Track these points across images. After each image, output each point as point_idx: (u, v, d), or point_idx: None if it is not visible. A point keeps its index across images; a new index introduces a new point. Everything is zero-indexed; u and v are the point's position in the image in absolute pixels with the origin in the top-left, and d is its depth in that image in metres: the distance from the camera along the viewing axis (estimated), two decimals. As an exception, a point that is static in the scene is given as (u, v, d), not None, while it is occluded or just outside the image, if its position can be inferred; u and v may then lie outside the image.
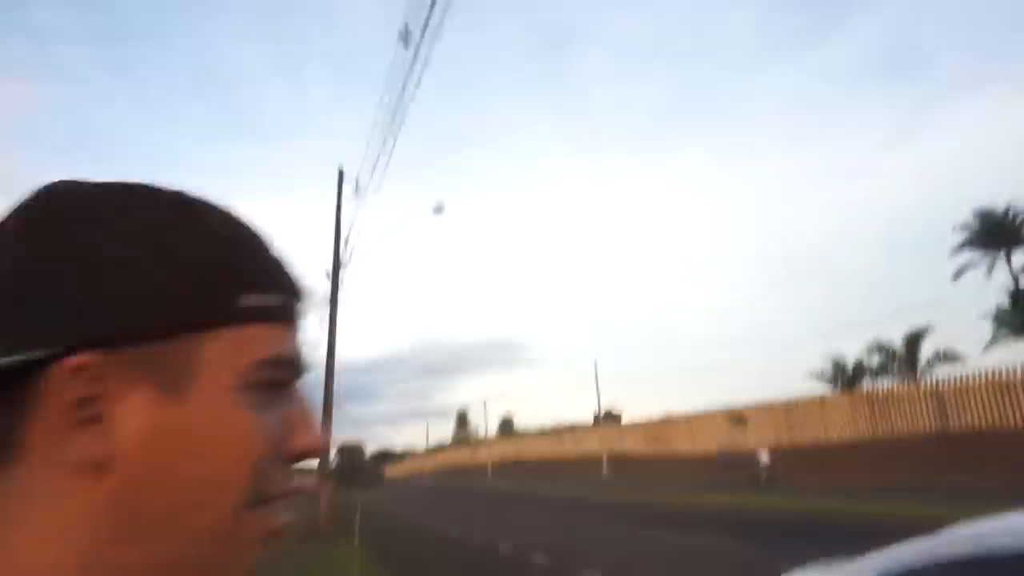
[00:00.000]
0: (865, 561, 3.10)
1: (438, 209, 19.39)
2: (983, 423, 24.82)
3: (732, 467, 32.09)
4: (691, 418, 39.75)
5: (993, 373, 25.61)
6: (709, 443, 35.58)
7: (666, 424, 41.94)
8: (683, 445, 38.72)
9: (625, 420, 54.69)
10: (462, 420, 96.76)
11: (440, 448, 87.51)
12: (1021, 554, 2.40)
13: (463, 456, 75.36)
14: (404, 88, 11.67)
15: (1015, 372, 25.31)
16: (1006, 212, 34.08)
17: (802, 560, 4.21)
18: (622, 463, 43.81)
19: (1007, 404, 24.32)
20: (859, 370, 36.14)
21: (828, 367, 37.05)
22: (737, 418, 35.74)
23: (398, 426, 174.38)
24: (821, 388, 36.38)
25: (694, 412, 39.63)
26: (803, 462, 29.97)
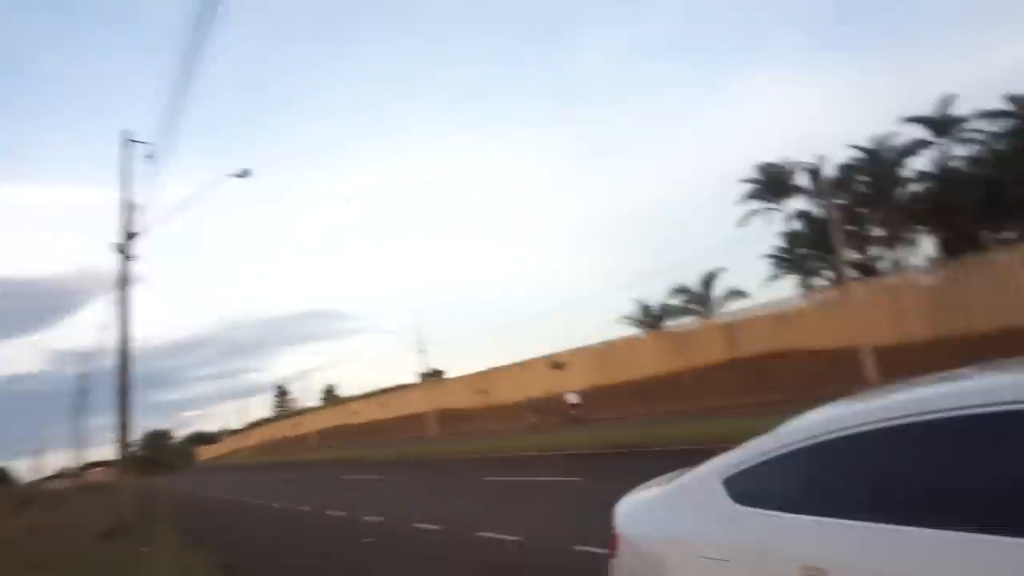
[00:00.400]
0: (713, 462, 3.07)
1: (242, 174, 17.81)
2: (766, 349, 27.86)
3: (542, 411, 33.53)
4: (513, 368, 40.93)
5: (772, 306, 28.83)
6: (533, 390, 36.87)
7: (489, 376, 42.87)
8: (507, 395, 39.83)
9: (450, 375, 55.19)
10: (282, 394, 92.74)
11: (260, 424, 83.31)
12: (853, 435, 2.44)
13: (285, 429, 72.37)
14: (195, 43, 10.27)
15: (789, 304, 28.69)
16: (781, 166, 38.02)
17: (618, 483, 4.21)
18: (450, 418, 44.28)
19: (784, 331, 27.48)
20: (663, 311, 39.08)
21: (636, 311, 39.72)
22: (556, 364, 37.33)
23: (213, 407, 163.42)
24: (632, 330, 38.97)
25: (516, 362, 40.85)
26: (618, 398, 32.03)
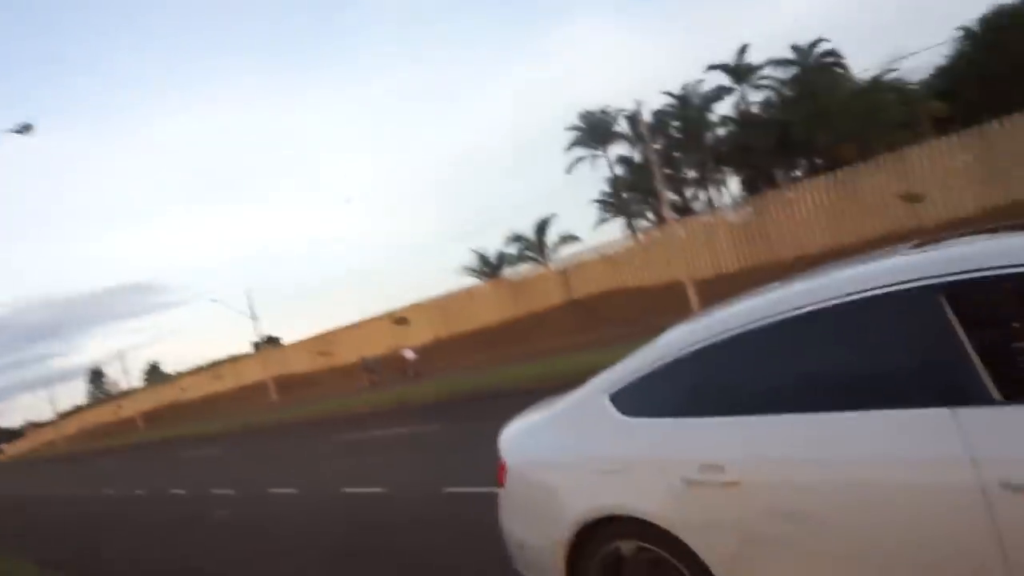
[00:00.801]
0: (596, 380, 3.16)
1: (22, 130, 15.54)
2: (599, 289, 29.39)
3: (377, 369, 33.19)
4: (355, 327, 40.08)
5: (602, 248, 30.34)
6: (376, 348, 36.37)
7: (330, 337, 41.71)
8: (351, 355, 39.02)
9: (288, 341, 52.98)
10: (97, 377, 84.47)
11: (75, 412, 75.53)
12: (727, 339, 2.64)
13: (105, 415, 66.23)
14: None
15: (618, 245, 30.34)
16: (603, 113, 39.63)
17: (473, 426, 4.25)
18: (291, 384, 42.69)
19: (614, 271, 29.11)
20: (501, 260, 39.86)
21: (475, 261, 40.19)
22: (398, 319, 37.02)
23: (12, 400, 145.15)
24: (472, 281, 39.44)
25: (358, 321, 40.01)
26: (463, 348, 32.47)
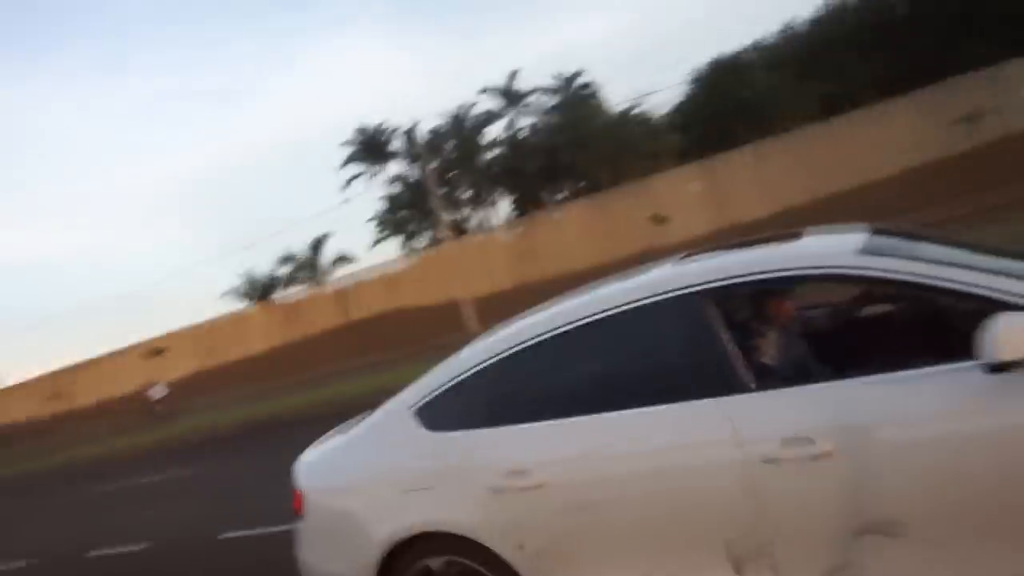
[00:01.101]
0: (398, 398, 3.10)
1: None
2: (376, 311, 29.10)
3: (120, 412, 29.55)
4: (97, 362, 35.50)
5: (379, 268, 30.13)
6: (126, 385, 32.47)
7: (67, 375, 36.49)
8: (92, 395, 34.43)
9: (10, 383, 45.34)
10: None
11: None
12: (524, 349, 2.76)
13: None
14: None
15: (395, 265, 30.33)
16: (380, 129, 39.44)
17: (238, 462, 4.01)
18: (9, 435, 36.46)
19: (392, 292, 29.03)
20: (271, 282, 37.79)
21: (242, 283, 37.64)
22: (153, 350, 33.45)
23: None
24: (238, 305, 36.85)
25: (100, 355, 35.49)
26: (231, 378, 30.17)
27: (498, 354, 2.85)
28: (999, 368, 1.94)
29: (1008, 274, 2.17)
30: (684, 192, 24.39)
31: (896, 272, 2.26)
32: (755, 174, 23.43)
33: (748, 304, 2.94)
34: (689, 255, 2.98)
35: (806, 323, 3.20)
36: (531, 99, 37.79)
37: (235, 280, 37.63)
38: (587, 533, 2.51)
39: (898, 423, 2.10)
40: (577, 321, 2.71)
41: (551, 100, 37.25)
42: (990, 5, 24.65)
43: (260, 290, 37.57)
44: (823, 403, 2.23)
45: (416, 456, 2.87)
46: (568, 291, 3.23)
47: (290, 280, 37.60)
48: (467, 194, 39.76)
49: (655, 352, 2.60)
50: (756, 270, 2.57)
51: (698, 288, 2.52)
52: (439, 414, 2.90)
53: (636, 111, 33.96)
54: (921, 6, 28.22)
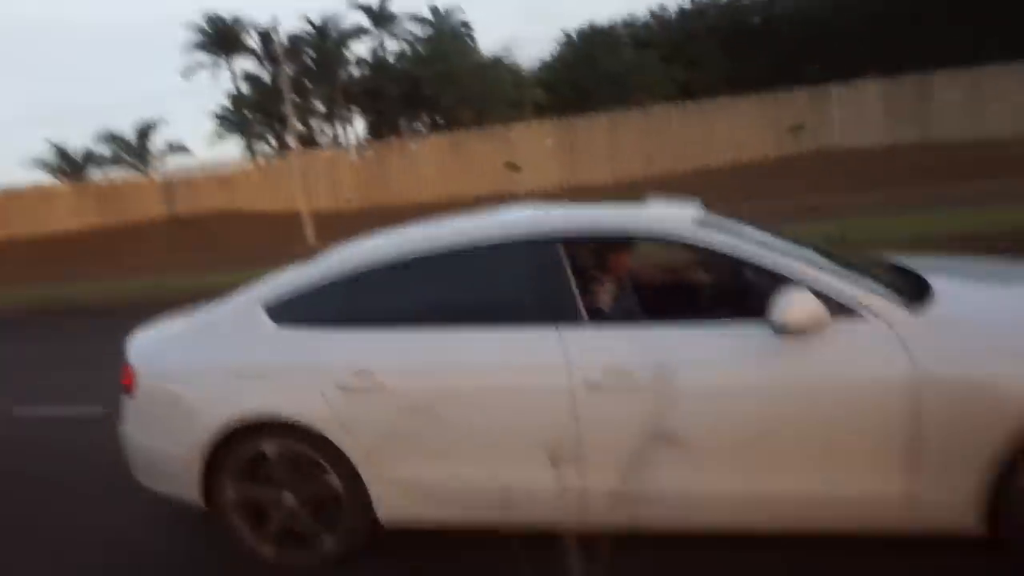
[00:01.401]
0: (249, 293, 3.12)
1: None
2: (210, 209, 27.29)
3: None
4: None
5: (217, 166, 28.12)
6: None
7: None
8: None
9: None
10: None
11: None
12: (381, 266, 2.93)
13: None
14: None
15: (235, 165, 28.46)
16: (234, 22, 36.25)
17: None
18: None
19: (228, 192, 27.32)
20: (88, 159, 34.10)
21: (51, 155, 33.62)
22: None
23: None
24: (45, 177, 32.90)
25: None
26: (29, 258, 27.08)
27: (358, 265, 2.98)
28: (781, 330, 2.39)
29: (798, 258, 2.64)
30: (539, 145, 24.98)
31: (720, 245, 2.66)
32: (607, 141, 24.48)
33: (593, 254, 3.28)
34: (545, 206, 3.27)
35: (638, 277, 3.62)
36: (402, 24, 36.52)
37: (45, 150, 33.57)
38: (421, 433, 2.74)
39: (698, 363, 2.52)
40: (440, 247, 2.90)
41: (423, 30, 36.24)
42: (823, 35, 27.61)
43: (74, 166, 33.84)
44: (641, 341, 2.60)
45: (264, 348, 2.95)
46: (419, 221, 3.40)
47: (111, 161, 34.18)
48: (321, 107, 37.97)
49: (506, 283, 2.85)
50: (606, 226, 2.90)
51: (554, 234, 2.80)
52: (291, 312, 2.99)
53: (506, 59, 33.97)
54: (772, 22, 30.70)
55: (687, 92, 30.71)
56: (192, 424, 2.94)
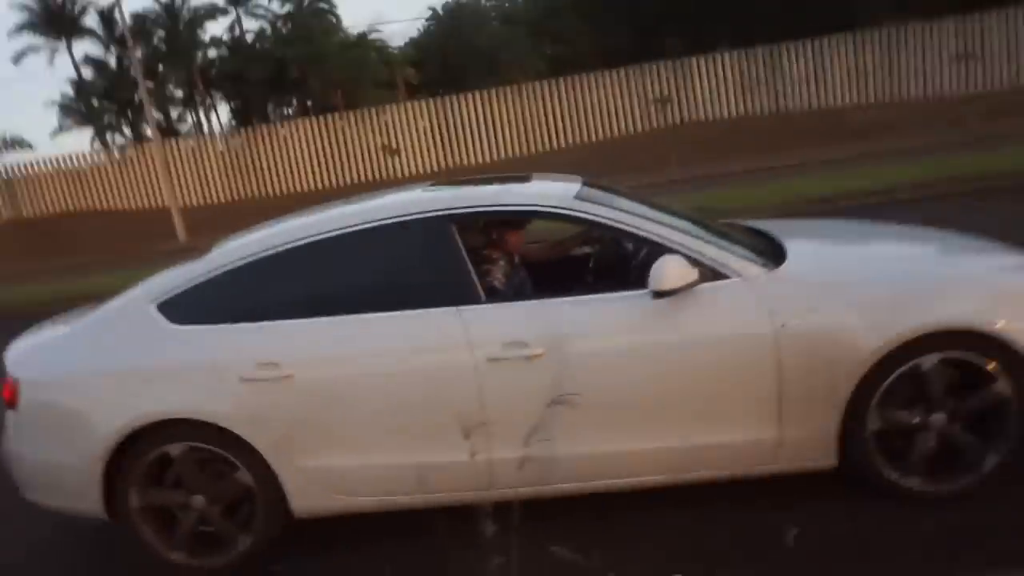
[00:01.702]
0: (136, 292, 3.03)
1: None
2: (58, 209, 25.18)
3: None
4: None
5: (64, 161, 25.84)
6: None
7: None
8: None
9: None
10: None
11: None
12: (273, 255, 2.94)
13: None
14: None
15: (85, 160, 26.24)
16: (65, 1, 33.21)
17: None
18: None
19: (80, 189, 25.28)
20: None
21: None
22: None
23: None
24: None
25: None
26: None
27: (250, 256, 2.97)
28: (660, 295, 2.64)
29: (673, 227, 2.90)
30: (414, 127, 24.76)
31: (600, 216, 2.88)
32: (482, 119, 24.62)
33: (483, 231, 3.42)
34: (434, 184, 3.37)
35: (528, 253, 3.80)
36: (260, 1, 34.91)
37: None
38: (332, 421, 2.81)
39: (588, 332, 2.73)
40: (331, 231, 2.95)
41: (282, 7, 34.80)
42: (683, 7, 29.02)
43: None
44: (536, 315, 2.78)
45: (159, 348, 2.89)
46: (297, 211, 3.41)
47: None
48: (179, 93, 35.75)
49: (402, 264, 2.95)
50: (493, 202, 3.06)
51: (445, 212, 2.92)
52: (185, 309, 2.94)
53: (372, 37, 33.27)
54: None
55: (556, 67, 31.31)
56: (88, 432, 2.85)
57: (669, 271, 2.61)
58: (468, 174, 19.86)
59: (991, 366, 2.61)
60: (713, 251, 2.78)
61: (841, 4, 27.40)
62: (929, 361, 2.61)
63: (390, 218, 2.95)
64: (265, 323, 2.87)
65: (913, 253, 3.27)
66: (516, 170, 4.18)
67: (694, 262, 2.69)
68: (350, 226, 2.94)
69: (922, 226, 3.77)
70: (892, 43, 23.06)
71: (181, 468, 2.89)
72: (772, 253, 2.99)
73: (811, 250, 3.19)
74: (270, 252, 2.95)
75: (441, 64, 33.59)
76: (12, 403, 3.00)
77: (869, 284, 2.75)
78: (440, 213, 2.91)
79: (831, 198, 9.94)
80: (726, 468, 2.79)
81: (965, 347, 2.62)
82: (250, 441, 2.81)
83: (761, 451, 2.73)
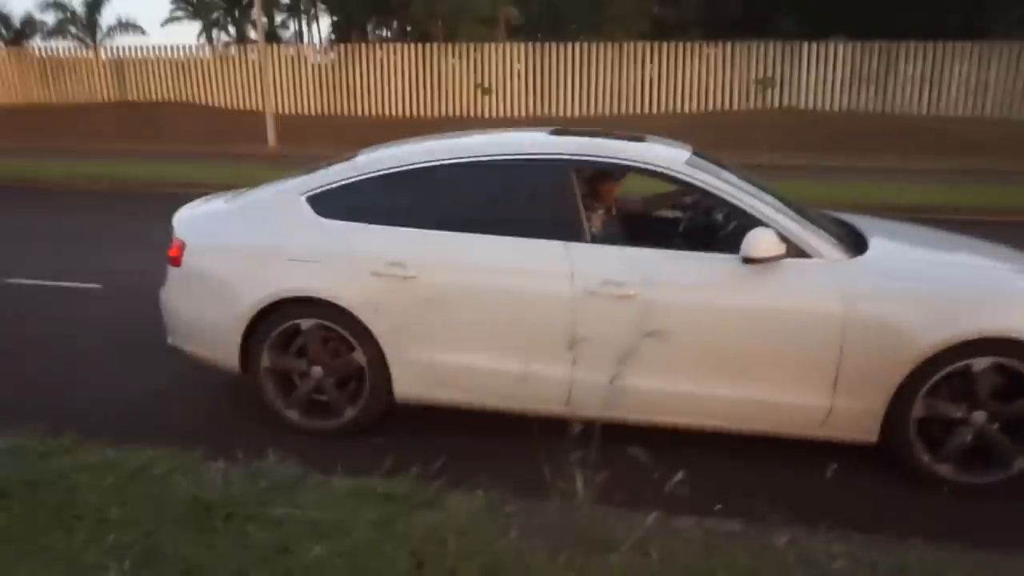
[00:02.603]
0: (290, 183, 3.51)
1: None
2: (163, 96, 26.33)
3: None
4: None
5: (170, 50, 26.86)
6: None
7: None
8: None
9: None
10: None
11: None
12: (416, 169, 3.36)
13: None
14: None
15: (190, 53, 27.19)
16: None
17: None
18: None
19: (184, 81, 26.33)
20: (30, 27, 32.06)
21: (-11, 17, 31.46)
22: None
23: None
24: (-20, 42, 30.89)
25: None
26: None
27: (394, 167, 3.40)
28: (749, 261, 2.95)
29: (769, 204, 3.19)
30: (510, 68, 24.81)
31: (706, 184, 3.19)
32: (578, 72, 24.50)
33: (595, 179, 3.76)
34: (558, 131, 3.71)
35: (622, 205, 4.13)
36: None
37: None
38: (443, 321, 3.24)
39: (679, 282, 3.08)
40: (468, 157, 3.35)
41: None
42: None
43: (14, 33, 31.82)
44: (634, 261, 3.14)
45: (306, 235, 3.36)
46: (391, 136, 3.78)
47: (55, 32, 32.25)
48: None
49: (524, 197, 3.33)
50: (613, 155, 3.39)
51: (567, 157, 3.28)
52: (330, 204, 3.39)
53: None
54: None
55: (661, 30, 30.67)
56: (236, 296, 3.36)
57: (761, 242, 2.92)
58: (561, 125, 19.95)
59: (1038, 377, 2.87)
60: (802, 232, 3.08)
61: (971, 10, 25.96)
62: (981, 363, 2.88)
63: (518, 155, 3.34)
64: (396, 228, 3.30)
65: (983, 264, 3.49)
66: (609, 129, 4.46)
67: (783, 238, 2.99)
68: (485, 155, 3.32)
69: (1001, 244, 3.95)
70: (1020, 60, 21.88)
71: (307, 340, 3.39)
72: (854, 243, 3.26)
73: (890, 246, 3.43)
74: (412, 166, 3.37)
75: (546, 8, 33.23)
76: (176, 260, 3.53)
77: (937, 285, 3.01)
78: (564, 157, 3.28)
79: (925, 208, 9.85)
80: (779, 426, 3.14)
81: (1018, 356, 2.87)
82: (370, 327, 3.27)
83: (812, 416, 3.06)
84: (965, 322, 2.86)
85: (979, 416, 2.95)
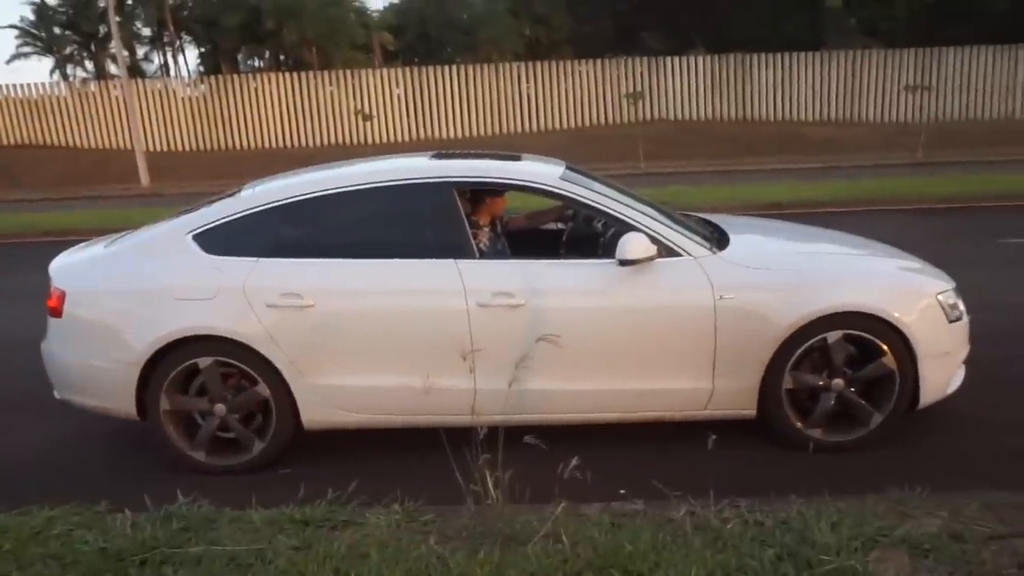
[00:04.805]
0: (173, 222, 3.46)
1: None
2: (12, 139, 24.57)
3: None
4: None
5: (21, 88, 25.03)
6: None
7: None
8: None
9: None
10: None
11: None
12: (301, 201, 3.43)
13: None
14: None
15: (43, 88, 25.38)
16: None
17: None
18: None
19: (38, 121, 24.66)
20: None
21: None
22: None
23: None
24: None
25: None
26: None
27: (280, 200, 3.45)
28: (624, 263, 3.21)
29: (639, 211, 3.48)
30: (389, 93, 24.87)
31: (581, 196, 3.44)
32: (457, 94, 24.86)
33: (479, 198, 3.94)
34: (439, 155, 3.89)
35: (507, 222, 4.34)
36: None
37: None
38: (342, 346, 3.31)
39: (563, 288, 3.31)
40: (352, 186, 3.46)
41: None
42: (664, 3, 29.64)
43: None
44: (520, 273, 3.33)
45: (196, 273, 3.33)
46: (269, 168, 3.87)
47: None
48: (146, 31, 34.86)
49: (411, 220, 3.46)
50: (494, 175, 3.59)
51: (452, 179, 3.45)
52: (219, 241, 3.39)
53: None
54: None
55: (533, 49, 31.68)
56: (127, 342, 3.29)
57: (634, 245, 3.19)
58: (440, 148, 20.15)
59: (881, 344, 3.28)
60: (670, 233, 3.38)
61: (811, 23, 28.42)
62: (834, 336, 3.27)
63: (403, 179, 3.48)
64: (293, 260, 3.35)
65: (833, 250, 3.94)
66: (488, 150, 4.72)
67: (654, 240, 3.28)
68: (371, 182, 3.44)
69: (849, 233, 4.45)
70: (856, 66, 24.15)
71: (207, 378, 3.35)
72: (718, 240, 3.61)
73: (750, 241, 3.81)
74: (299, 198, 3.43)
75: (419, 33, 33.57)
76: (57, 312, 3.41)
77: (790, 271, 3.39)
78: (447, 180, 3.44)
79: (783, 204, 10.75)
80: (668, 410, 3.42)
81: (862, 328, 3.27)
82: (270, 358, 3.29)
83: (697, 399, 3.36)
84: (816, 301, 3.24)
85: (838, 383, 3.34)
